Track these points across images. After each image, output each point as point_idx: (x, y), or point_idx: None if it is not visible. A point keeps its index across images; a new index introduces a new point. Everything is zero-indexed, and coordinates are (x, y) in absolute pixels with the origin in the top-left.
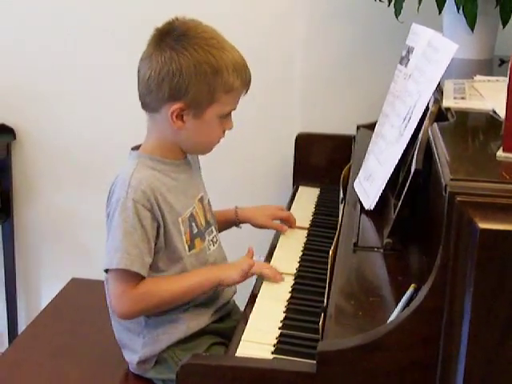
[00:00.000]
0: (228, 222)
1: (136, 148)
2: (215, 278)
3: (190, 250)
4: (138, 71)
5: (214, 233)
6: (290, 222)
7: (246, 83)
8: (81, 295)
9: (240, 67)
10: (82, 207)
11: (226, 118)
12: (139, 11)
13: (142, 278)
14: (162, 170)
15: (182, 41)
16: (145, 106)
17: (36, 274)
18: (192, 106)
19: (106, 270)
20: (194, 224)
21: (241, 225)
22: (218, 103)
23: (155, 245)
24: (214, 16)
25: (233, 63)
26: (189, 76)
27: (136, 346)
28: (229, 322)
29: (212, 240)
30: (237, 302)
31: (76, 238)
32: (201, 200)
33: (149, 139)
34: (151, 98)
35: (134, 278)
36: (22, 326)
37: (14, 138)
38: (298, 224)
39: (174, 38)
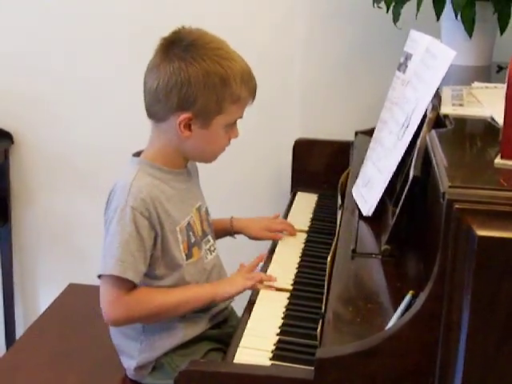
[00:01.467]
0: (223, 231)
1: (137, 154)
2: (208, 295)
3: (187, 259)
4: (145, 81)
5: (211, 242)
6: (287, 232)
7: (252, 92)
8: (78, 301)
9: (247, 77)
10: (79, 212)
11: (231, 126)
12: (139, 12)
13: (135, 286)
14: (162, 178)
15: (191, 51)
16: (151, 115)
17: (33, 279)
18: (200, 116)
19: (99, 276)
20: (191, 233)
21: (235, 235)
22: (225, 113)
23: (152, 254)
24: (214, 16)
25: (240, 73)
26: (197, 86)
27: (133, 352)
28: (226, 328)
29: (209, 249)
30: (234, 308)
31: (74, 243)
32: (198, 209)
33: (152, 146)
34: (159, 107)
35: (126, 284)
36: (19, 331)
37: (12, 143)
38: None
39: (181, 48)
